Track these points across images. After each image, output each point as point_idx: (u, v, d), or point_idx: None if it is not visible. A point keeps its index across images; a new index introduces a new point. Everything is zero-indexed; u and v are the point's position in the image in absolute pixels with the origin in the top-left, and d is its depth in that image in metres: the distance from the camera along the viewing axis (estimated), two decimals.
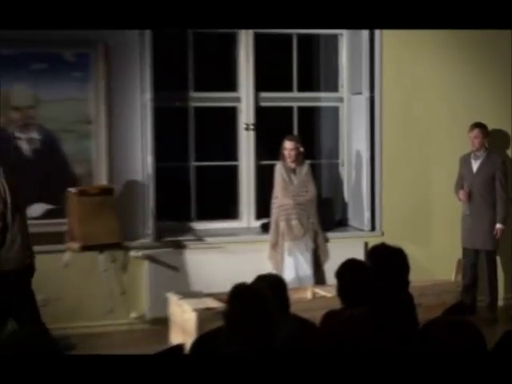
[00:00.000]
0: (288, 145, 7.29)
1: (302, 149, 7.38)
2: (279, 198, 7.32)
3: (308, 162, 7.54)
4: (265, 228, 7.62)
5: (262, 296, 3.45)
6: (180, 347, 4.34)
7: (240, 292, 3.49)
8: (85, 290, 6.91)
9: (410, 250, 4.63)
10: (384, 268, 4.43)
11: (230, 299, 3.48)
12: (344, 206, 8.09)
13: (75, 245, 6.67)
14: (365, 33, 7.67)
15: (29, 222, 6.88)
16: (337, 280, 4.57)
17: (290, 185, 7.31)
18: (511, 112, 7.94)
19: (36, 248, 6.78)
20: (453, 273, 7.59)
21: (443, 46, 7.82)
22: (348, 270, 4.59)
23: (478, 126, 7.44)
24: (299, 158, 7.33)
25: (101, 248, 6.78)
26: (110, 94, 7.09)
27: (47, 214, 7.01)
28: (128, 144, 7.19)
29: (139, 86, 7.17)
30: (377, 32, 7.65)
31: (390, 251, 4.59)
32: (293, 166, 7.32)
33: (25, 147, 7.00)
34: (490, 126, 7.59)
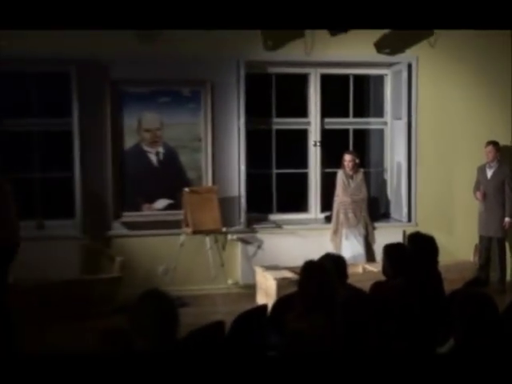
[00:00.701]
0: (347, 157, 7.28)
1: (357, 160, 7.35)
2: (339, 197, 7.29)
3: (362, 170, 7.48)
4: (327, 219, 7.57)
5: (326, 269, 3.48)
6: (264, 307, 4.40)
7: (309, 266, 3.52)
8: (195, 263, 6.95)
9: (438, 237, 4.60)
10: (419, 250, 4.42)
11: (302, 271, 3.52)
12: (387, 203, 7.98)
13: (188, 230, 6.74)
14: (404, 73, 7.57)
15: (155, 212, 7.10)
16: (383, 257, 4.50)
17: (348, 187, 7.27)
18: None
19: (160, 232, 7.01)
20: (471, 254, 7.51)
21: (467, 77, 7.67)
22: (391, 250, 4.52)
23: (492, 142, 7.29)
24: (355, 167, 7.30)
25: (206, 232, 6.79)
26: (215, 119, 7.14)
27: (168, 207, 7.11)
28: (227, 156, 7.22)
29: (236, 114, 7.19)
30: (413, 72, 7.56)
31: (423, 237, 4.58)
32: (350, 173, 7.29)
33: (153, 158, 7.10)
34: (502, 143, 7.41)
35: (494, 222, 7.25)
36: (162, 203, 7.12)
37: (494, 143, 7.30)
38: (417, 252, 4.41)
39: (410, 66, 7.57)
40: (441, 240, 4.58)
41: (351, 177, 7.30)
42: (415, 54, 7.45)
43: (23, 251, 6.68)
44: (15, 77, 7.05)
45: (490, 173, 7.33)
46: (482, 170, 7.40)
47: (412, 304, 3.67)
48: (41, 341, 5.37)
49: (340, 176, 7.31)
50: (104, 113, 6.89)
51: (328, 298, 3.22)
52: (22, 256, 6.65)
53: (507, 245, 7.52)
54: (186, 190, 6.81)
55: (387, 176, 8.02)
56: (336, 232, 7.30)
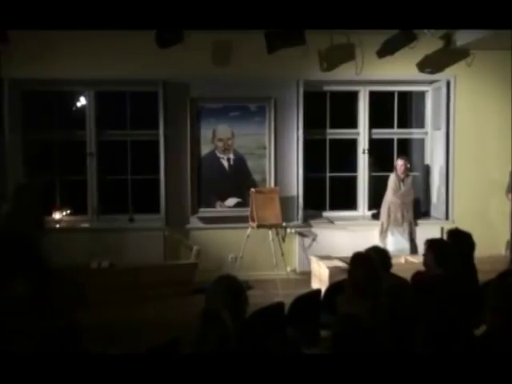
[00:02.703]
0: (400, 162, 7.11)
1: (408, 165, 7.18)
2: (390, 198, 7.09)
3: (412, 174, 7.33)
4: (373, 216, 7.44)
5: (372, 260, 3.43)
6: (318, 291, 4.36)
7: (358, 256, 3.48)
8: (259, 252, 6.93)
9: (473, 233, 4.44)
10: (457, 244, 4.30)
11: (352, 261, 3.48)
12: (427, 203, 7.79)
13: (254, 224, 6.72)
14: (443, 89, 7.38)
15: (226, 209, 7.14)
16: (425, 250, 4.29)
17: (399, 189, 7.08)
18: None
19: (230, 225, 7.05)
20: (503, 249, 7.27)
21: (498, 92, 7.39)
22: (434, 244, 4.32)
23: None
24: (406, 172, 7.12)
25: (269, 226, 6.75)
26: (277, 130, 7.13)
27: (237, 204, 7.14)
28: (288, 162, 7.20)
29: (295, 125, 7.16)
30: (452, 88, 7.36)
31: (462, 233, 4.45)
32: (402, 176, 7.09)
33: (225, 163, 7.14)
34: None
35: None
36: (232, 201, 7.17)
37: None
38: (455, 246, 4.28)
39: (448, 84, 7.37)
40: (476, 236, 4.42)
41: (402, 180, 7.11)
42: (454, 72, 7.25)
43: (117, 240, 6.95)
44: (115, 95, 7.29)
45: None
46: None
47: (448, 291, 3.56)
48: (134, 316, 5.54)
49: (392, 179, 7.12)
50: (184, 125, 6.99)
51: (374, 284, 3.18)
52: (117, 244, 6.92)
53: None
54: (253, 190, 6.81)
55: (427, 179, 7.80)
56: (384, 229, 7.12)
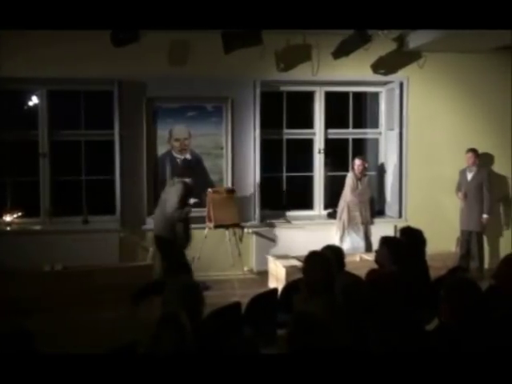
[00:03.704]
0: (357, 162, 7.18)
1: (366, 165, 7.27)
2: (348, 197, 7.15)
3: (369, 173, 7.43)
4: (329, 215, 7.53)
5: (326, 258, 3.45)
6: (275, 290, 4.39)
7: (312, 255, 3.49)
8: (216, 252, 6.95)
9: (425, 231, 4.55)
10: (410, 242, 4.38)
11: (306, 260, 3.50)
12: (381, 202, 7.94)
13: (211, 224, 6.75)
14: (396, 90, 7.55)
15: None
16: (379, 248, 4.34)
17: (356, 188, 7.14)
18: (496, 141, 7.70)
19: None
20: (453, 246, 7.48)
21: (449, 93, 7.63)
22: (388, 242, 4.37)
23: (472, 150, 7.23)
24: (364, 171, 7.21)
25: (226, 226, 6.81)
26: (234, 130, 7.15)
27: (194, 205, 7.02)
28: (244, 162, 7.23)
29: (252, 125, 7.20)
30: (404, 89, 7.53)
31: (413, 231, 4.53)
32: (359, 176, 7.16)
33: (181, 164, 7.12)
34: (481, 150, 7.35)
35: (474, 218, 7.20)
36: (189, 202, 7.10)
37: (474, 150, 7.24)
38: (408, 243, 4.37)
39: (401, 85, 7.54)
40: (427, 233, 4.54)
41: (359, 179, 7.19)
42: (406, 74, 7.42)
43: (71, 242, 6.80)
44: (69, 95, 7.15)
45: (470, 176, 7.27)
46: (463, 173, 7.34)
47: (401, 288, 3.64)
48: (89, 319, 5.45)
49: (350, 178, 7.19)
50: (140, 125, 6.93)
51: (328, 283, 3.20)
52: (71, 246, 6.77)
53: (485, 238, 7.48)
54: (210, 190, 6.82)
55: (382, 179, 7.96)
56: (341, 227, 7.20)
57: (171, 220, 6.01)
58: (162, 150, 7.06)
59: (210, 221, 6.78)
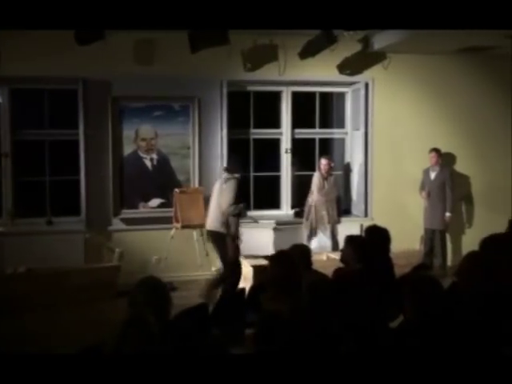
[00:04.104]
0: (323, 161, 7.22)
1: (332, 164, 7.32)
2: (315, 196, 7.19)
3: (335, 173, 7.49)
4: (296, 214, 7.56)
5: (289, 257, 3.46)
6: (243, 290, 4.39)
7: (277, 255, 3.51)
8: (183, 253, 6.91)
9: (390, 229, 4.61)
10: (375, 240, 4.44)
11: (271, 260, 3.51)
12: (348, 201, 8.03)
13: (178, 225, 6.73)
14: (362, 91, 7.65)
15: (149, 210, 7.07)
16: (344, 247, 4.41)
17: (323, 188, 7.19)
18: (458, 141, 7.88)
19: (154, 227, 6.98)
20: (417, 244, 7.61)
21: (414, 95, 7.76)
22: (353, 241, 4.43)
23: (435, 149, 7.37)
24: (330, 171, 7.26)
25: (194, 227, 6.78)
26: (201, 130, 7.13)
27: (161, 205, 7.09)
28: (212, 161, 7.20)
29: (219, 125, 7.19)
30: (370, 90, 7.64)
31: (378, 229, 4.59)
32: (325, 175, 7.21)
33: (148, 163, 7.07)
34: (443, 150, 7.50)
35: (437, 217, 7.32)
36: (155, 202, 7.09)
37: (436, 150, 7.37)
38: (373, 242, 4.42)
39: (367, 85, 7.65)
40: (392, 231, 4.60)
41: (326, 178, 7.23)
42: (371, 75, 7.50)
43: (35, 244, 6.68)
44: (32, 93, 7.02)
45: (433, 175, 7.39)
46: (426, 173, 7.47)
47: (367, 285, 3.68)
48: (55, 321, 5.37)
49: (316, 177, 7.23)
50: (106, 124, 6.86)
51: (293, 281, 3.22)
52: (34, 248, 6.65)
53: (447, 236, 7.62)
54: (176, 190, 6.79)
55: (347, 178, 8.04)
56: (314, 227, 7.23)
57: (226, 215, 5.96)
58: (128, 149, 6.99)
59: (177, 221, 6.75)
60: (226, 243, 6.02)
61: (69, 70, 6.65)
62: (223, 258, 6.09)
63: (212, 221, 6.10)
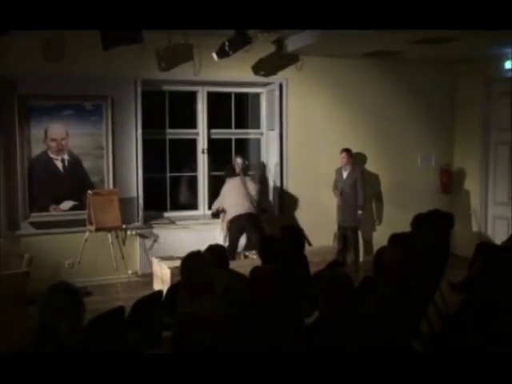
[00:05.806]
0: (239, 160, 7.30)
1: (247, 163, 7.41)
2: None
3: (251, 173, 7.56)
4: (213, 215, 7.54)
5: (200, 257, 3.47)
6: (160, 292, 4.36)
7: (188, 256, 3.49)
8: (98, 256, 6.79)
9: (305, 227, 4.75)
10: (291, 239, 4.55)
11: (182, 261, 3.49)
12: (265, 199, 8.13)
13: (92, 227, 6.58)
14: (276, 92, 7.79)
15: (61, 213, 6.86)
16: (260, 245, 4.51)
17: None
18: (368, 141, 8.20)
19: (66, 230, 6.77)
20: (331, 241, 7.85)
21: (325, 96, 7.99)
22: (267, 240, 4.56)
23: (346, 150, 7.58)
24: (245, 170, 7.32)
25: (108, 229, 6.66)
26: (115, 130, 6.99)
27: (73, 208, 6.89)
28: (126, 162, 7.09)
29: (134, 125, 7.07)
30: (284, 91, 7.79)
31: (293, 229, 4.71)
32: (241, 175, 7.26)
33: (59, 165, 6.84)
34: (354, 150, 7.77)
35: (349, 214, 7.54)
36: (67, 204, 6.88)
37: (347, 150, 7.59)
38: (289, 240, 4.53)
39: (281, 86, 7.79)
40: (307, 230, 4.72)
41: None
42: (285, 76, 7.67)
43: None
44: None
45: (345, 174, 7.61)
46: (339, 172, 7.69)
47: (282, 282, 3.77)
48: None
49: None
50: (12, 124, 6.55)
51: (206, 282, 3.22)
52: None
53: (359, 233, 7.89)
54: (90, 192, 6.63)
55: (264, 178, 8.15)
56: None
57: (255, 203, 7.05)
58: (37, 150, 6.72)
59: (90, 224, 6.59)
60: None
61: None
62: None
63: (246, 209, 6.97)
